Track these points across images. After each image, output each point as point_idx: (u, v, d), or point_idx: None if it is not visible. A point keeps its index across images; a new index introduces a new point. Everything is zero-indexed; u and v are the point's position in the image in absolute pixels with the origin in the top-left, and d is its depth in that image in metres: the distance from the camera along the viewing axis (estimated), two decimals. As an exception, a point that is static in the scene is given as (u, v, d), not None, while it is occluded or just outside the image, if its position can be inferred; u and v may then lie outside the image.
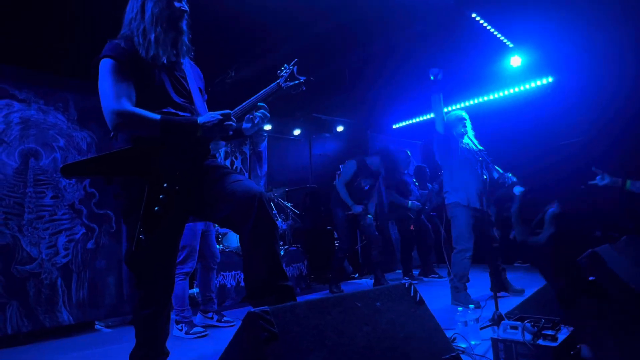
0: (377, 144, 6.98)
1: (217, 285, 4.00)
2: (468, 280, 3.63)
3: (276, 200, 4.98)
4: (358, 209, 4.61)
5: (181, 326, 3.07)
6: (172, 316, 3.02)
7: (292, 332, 1.10)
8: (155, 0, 1.66)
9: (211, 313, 3.39)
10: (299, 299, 1.39)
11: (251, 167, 5.92)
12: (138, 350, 1.67)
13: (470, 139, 3.65)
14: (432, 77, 3.56)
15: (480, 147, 3.49)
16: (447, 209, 3.74)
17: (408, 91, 5.95)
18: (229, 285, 4.10)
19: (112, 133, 1.59)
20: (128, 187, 1.56)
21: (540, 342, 1.93)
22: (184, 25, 1.72)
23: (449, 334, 2.39)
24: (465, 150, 3.63)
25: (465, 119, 3.81)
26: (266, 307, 1.10)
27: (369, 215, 4.76)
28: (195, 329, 3.05)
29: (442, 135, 3.68)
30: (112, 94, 1.52)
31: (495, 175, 3.93)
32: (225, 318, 3.42)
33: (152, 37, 1.62)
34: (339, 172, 5.43)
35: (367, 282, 5.29)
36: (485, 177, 3.45)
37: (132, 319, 1.70)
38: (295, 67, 1.83)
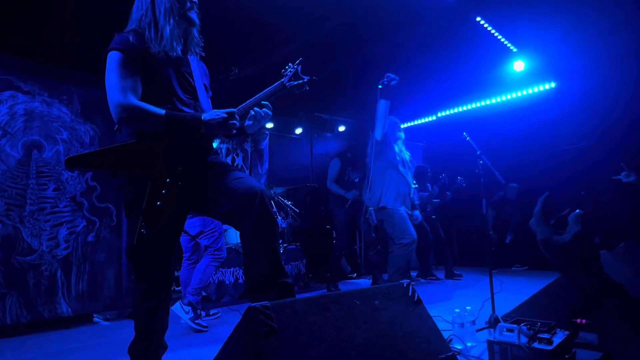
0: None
1: (216, 281, 4.02)
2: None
3: (276, 199, 5.00)
4: (350, 195, 4.68)
5: (189, 309, 3.07)
6: (187, 299, 3.10)
7: (291, 328, 1.12)
8: None
9: (199, 310, 3.41)
10: (298, 297, 1.40)
11: (252, 164, 5.94)
12: (137, 343, 1.69)
13: (400, 145, 3.80)
14: (385, 82, 3.37)
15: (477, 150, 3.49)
16: (378, 213, 3.80)
17: (411, 93, 5.97)
18: (227, 282, 4.11)
19: (117, 126, 1.61)
20: (132, 181, 1.57)
21: (536, 345, 1.95)
22: (194, 16, 1.73)
23: (445, 335, 2.41)
24: (396, 155, 3.74)
25: (399, 124, 3.93)
26: (266, 302, 1.11)
27: (370, 208, 4.79)
28: (199, 321, 3.07)
29: (378, 141, 3.69)
30: (118, 87, 1.54)
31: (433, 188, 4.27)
32: (211, 311, 3.50)
33: (166, 31, 1.63)
34: None
35: (365, 282, 5.31)
36: (415, 184, 3.67)
37: (132, 312, 1.71)
38: (300, 66, 1.84)
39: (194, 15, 1.72)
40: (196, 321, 3.06)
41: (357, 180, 4.83)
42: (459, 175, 5.71)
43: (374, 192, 3.74)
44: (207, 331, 3.06)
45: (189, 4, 1.69)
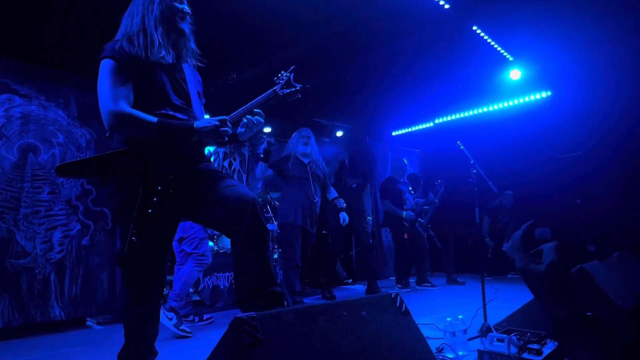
0: (376, 151, 7.03)
1: (210, 286, 4.02)
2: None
3: (273, 203, 5.00)
4: (340, 202, 4.67)
5: (172, 315, 2.99)
6: (169, 304, 3.05)
7: (277, 338, 1.12)
8: (157, 2, 1.69)
9: (192, 316, 3.41)
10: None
11: (250, 169, 5.94)
12: (127, 349, 1.69)
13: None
14: (268, 149, 3.63)
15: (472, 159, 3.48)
16: (280, 226, 3.96)
17: (408, 99, 6.00)
18: (222, 287, 4.11)
19: (108, 133, 1.61)
20: (122, 189, 1.58)
21: (525, 355, 1.96)
22: (185, 27, 1.73)
23: (437, 343, 2.41)
24: (299, 170, 3.89)
25: (307, 137, 4.04)
26: (252, 312, 1.12)
27: (369, 217, 4.80)
28: (183, 326, 3.03)
29: (265, 177, 3.96)
30: (110, 95, 1.55)
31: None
32: (205, 316, 3.48)
33: (154, 38, 1.64)
34: None
35: (360, 288, 5.31)
36: (315, 199, 3.81)
37: (121, 318, 1.71)
38: (292, 74, 1.86)
39: (185, 26, 1.73)
40: (180, 327, 3.00)
41: (354, 185, 4.84)
42: (454, 182, 5.71)
43: (280, 206, 4.00)
44: (191, 337, 3.04)
45: (180, 14, 1.70)
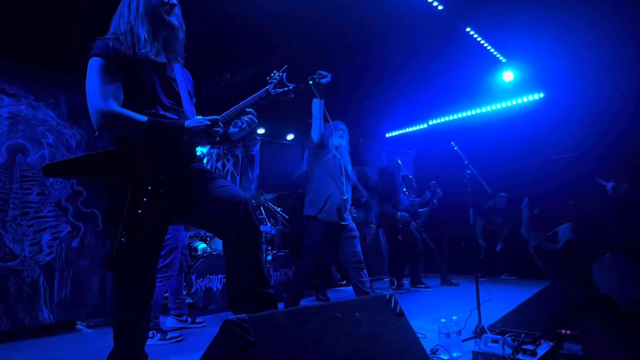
0: (370, 152, 7.02)
1: (203, 288, 3.98)
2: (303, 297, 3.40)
3: (266, 205, 4.97)
4: (361, 215, 4.68)
5: (152, 333, 2.90)
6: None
7: (269, 341, 1.10)
8: None
9: (185, 316, 3.39)
10: (282, 306, 1.39)
11: (243, 170, 5.91)
12: (116, 352, 1.65)
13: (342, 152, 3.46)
14: (316, 78, 3.04)
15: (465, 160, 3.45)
16: (303, 221, 3.45)
17: (402, 101, 6.01)
18: (214, 289, 4.07)
19: (97, 132, 1.58)
20: (111, 189, 1.54)
21: (520, 356, 1.95)
22: (173, 20, 1.70)
23: (431, 344, 2.40)
24: (333, 162, 3.39)
25: (343, 130, 3.57)
26: (244, 315, 1.09)
27: (372, 225, 4.83)
28: (170, 334, 3.00)
29: (315, 143, 3.40)
30: (98, 94, 1.51)
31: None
32: (198, 319, 3.45)
33: (140, 35, 1.61)
34: None
35: (355, 290, 5.29)
36: (346, 196, 3.33)
37: (111, 320, 1.67)
38: (285, 74, 1.84)
39: (173, 19, 1.69)
40: (167, 337, 2.96)
41: (364, 200, 4.86)
42: (448, 183, 5.72)
43: (307, 197, 3.43)
44: (182, 340, 3.02)
45: (166, 7, 1.67)
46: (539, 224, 0.87)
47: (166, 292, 3.53)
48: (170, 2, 1.69)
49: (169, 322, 3.38)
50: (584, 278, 0.77)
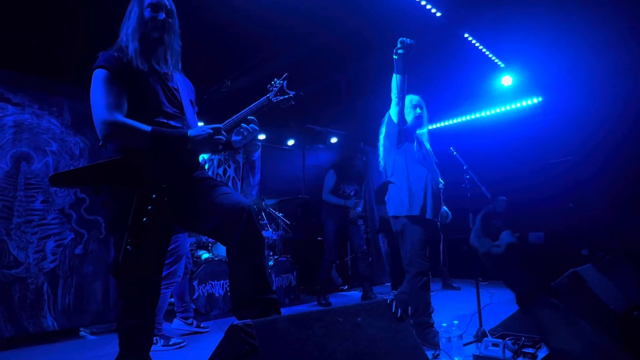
0: (370, 157, 7.05)
1: (205, 294, 4.00)
2: (432, 311, 2.84)
3: (267, 210, 5.00)
4: (351, 202, 4.68)
5: (156, 339, 2.92)
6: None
7: (273, 346, 1.12)
8: (135, 11, 1.71)
9: (191, 319, 3.43)
10: (288, 310, 1.41)
11: (244, 175, 5.94)
12: (122, 358, 1.67)
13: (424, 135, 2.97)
14: (400, 51, 2.50)
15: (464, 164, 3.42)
16: (396, 222, 2.94)
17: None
18: (217, 295, 4.08)
19: (102, 142, 1.62)
20: (116, 197, 1.57)
21: (520, 359, 1.97)
22: (163, 35, 1.72)
23: (432, 349, 2.42)
24: (419, 148, 2.93)
25: (421, 106, 3.04)
26: (248, 320, 1.12)
27: (359, 209, 4.81)
28: (173, 340, 3.02)
29: (397, 127, 2.85)
30: (103, 105, 1.55)
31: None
32: (202, 324, 3.48)
33: (132, 49, 1.66)
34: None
35: (356, 295, 5.31)
36: (441, 185, 2.87)
37: (116, 327, 1.70)
38: (285, 81, 1.87)
39: (161, 34, 1.71)
40: (170, 343, 2.99)
41: (352, 193, 4.86)
42: (447, 187, 5.74)
43: (394, 195, 2.91)
44: (185, 346, 3.04)
45: (156, 23, 1.70)
46: (488, 233, 1.04)
47: (171, 297, 3.56)
48: (160, 17, 1.71)
49: (175, 324, 3.42)
50: (529, 271, 0.90)
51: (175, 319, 3.46)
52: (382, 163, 3.04)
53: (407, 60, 2.57)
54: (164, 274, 3.11)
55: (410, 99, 3.00)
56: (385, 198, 3.02)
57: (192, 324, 3.43)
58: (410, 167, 2.85)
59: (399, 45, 2.51)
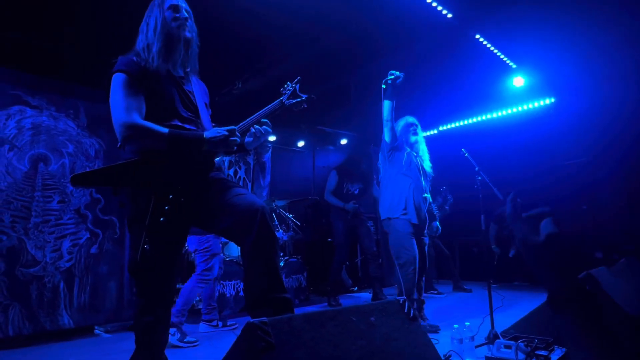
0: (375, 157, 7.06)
1: (217, 294, 4.04)
2: (419, 296, 3.38)
3: (278, 211, 5.03)
4: (349, 206, 4.68)
5: (174, 330, 3.02)
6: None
7: (288, 344, 1.14)
8: (156, 14, 1.74)
9: (215, 321, 3.51)
10: (298, 310, 1.43)
11: (254, 177, 5.98)
12: (137, 355, 1.71)
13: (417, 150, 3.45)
14: (389, 81, 3.05)
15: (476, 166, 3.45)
16: (384, 224, 3.45)
17: (411, 107, 6.02)
18: (228, 295, 4.12)
19: (120, 144, 1.66)
20: (135, 198, 1.61)
21: (533, 362, 1.96)
22: (187, 34, 1.76)
23: (444, 350, 2.42)
24: (408, 162, 3.38)
25: (415, 125, 3.52)
26: (264, 318, 1.14)
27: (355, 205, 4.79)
28: (188, 338, 3.08)
29: (388, 145, 3.34)
30: (122, 107, 1.59)
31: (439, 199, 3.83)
32: (229, 322, 3.60)
33: (154, 50, 1.69)
34: None
35: (366, 296, 5.31)
36: (426, 194, 3.37)
37: (132, 325, 1.74)
38: (298, 85, 1.90)
39: (186, 33, 1.76)
40: (184, 340, 3.05)
41: (356, 192, 4.88)
42: (459, 189, 5.71)
43: (383, 201, 3.42)
44: (198, 345, 3.08)
45: (179, 22, 1.74)
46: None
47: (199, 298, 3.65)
48: (182, 16, 1.77)
49: (201, 327, 3.49)
50: (565, 272, 0.77)
51: (201, 323, 3.52)
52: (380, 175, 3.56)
53: (396, 88, 3.11)
54: (199, 270, 3.23)
55: (407, 121, 3.53)
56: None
57: (217, 325, 3.51)
58: (397, 178, 3.36)
59: (389, 76, 3.06)
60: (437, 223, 3.77)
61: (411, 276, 3.20)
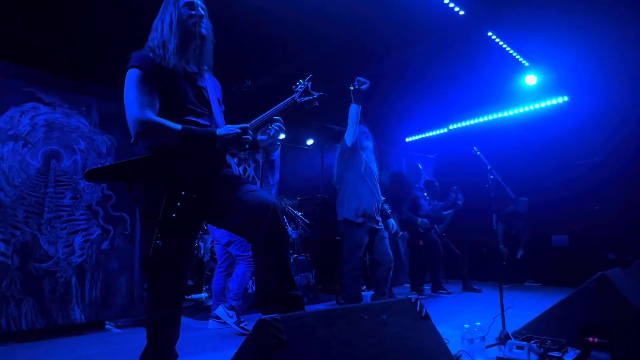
0: (389, 157, 7.02)
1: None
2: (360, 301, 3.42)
3: (287, 209, 5.03)
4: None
5: (232, 313, 3.24)
6: (229, 303, 3.30)
7: (299, 340, 1.14)
8: (171, 11, 1.74)
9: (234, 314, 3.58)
10: (307, 308, 1.43)
11: (263, 175, 6.00)
12: (149, 350, 1.72)
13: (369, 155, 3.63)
14: (356, 85, 3.20)
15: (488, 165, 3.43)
16: (341, 225, 3.58)
17: (422, 105, 6.00)
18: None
19: (133, 139, 1.66)
20: (147, 193, 1.62)
21: (546, 363, 1.94)
22: (202, 30, 1.77)
23: (454, 350, 2.39)
24: (365, 166, 3.56)
25: (367, 132, 3.72)
26: (276, 314, 1.14)
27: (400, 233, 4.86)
28: (243, 324, 3.23)
29: (349, 148, 3.49)
30: (136, 104, 1.60)
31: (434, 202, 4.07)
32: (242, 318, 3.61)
33: (172, 47, 1.70)
34: None
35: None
36: (380, 198, 3.55)
37: (144, 320, 1.75)
38: (310, 82, 1.89)
39: (202, 30, 1.76)
40: (240, 325, 3.19)
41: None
42: (470, 188, 5.65)
43: (341, 202, 3.55)
44: (249, 333, 3.14)
45: (194, 19, 1.74)
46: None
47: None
48: (198, 13, 1.77)
49: (211, 324, 3.51)
50: None
51: (210, 320, 3.53)
52: (334, 177, 3.74)
53: (363, 94, 3.26)
54: (244, 259, 3.37)
55: (360, 127, 3.63)
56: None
57: (225, 322, 3.51)
58: (356, 182, 3.53)
59: (355, 82, 3.20)
60: (392, 220, 4.06)
61: (357, 282, 3.41)
